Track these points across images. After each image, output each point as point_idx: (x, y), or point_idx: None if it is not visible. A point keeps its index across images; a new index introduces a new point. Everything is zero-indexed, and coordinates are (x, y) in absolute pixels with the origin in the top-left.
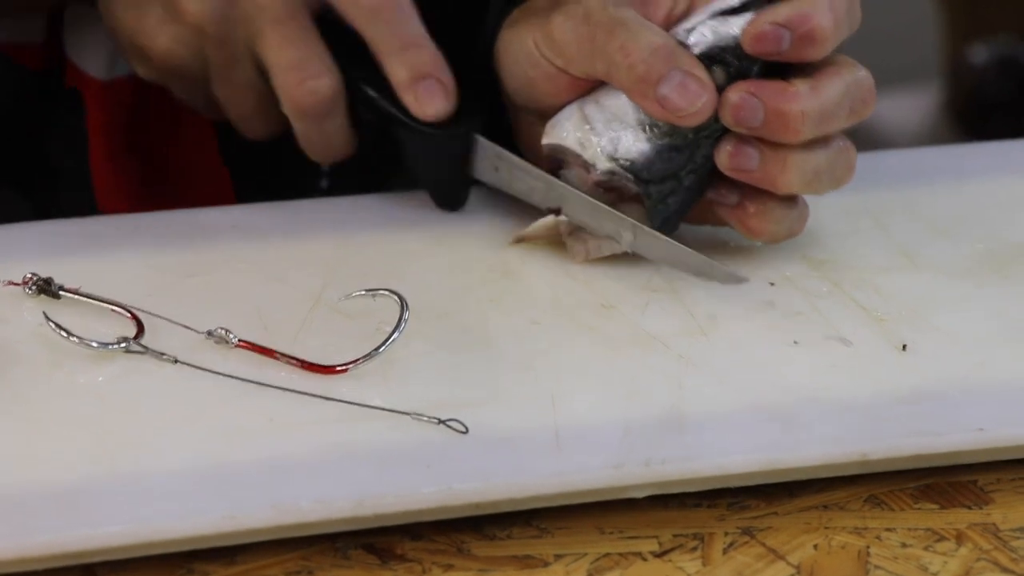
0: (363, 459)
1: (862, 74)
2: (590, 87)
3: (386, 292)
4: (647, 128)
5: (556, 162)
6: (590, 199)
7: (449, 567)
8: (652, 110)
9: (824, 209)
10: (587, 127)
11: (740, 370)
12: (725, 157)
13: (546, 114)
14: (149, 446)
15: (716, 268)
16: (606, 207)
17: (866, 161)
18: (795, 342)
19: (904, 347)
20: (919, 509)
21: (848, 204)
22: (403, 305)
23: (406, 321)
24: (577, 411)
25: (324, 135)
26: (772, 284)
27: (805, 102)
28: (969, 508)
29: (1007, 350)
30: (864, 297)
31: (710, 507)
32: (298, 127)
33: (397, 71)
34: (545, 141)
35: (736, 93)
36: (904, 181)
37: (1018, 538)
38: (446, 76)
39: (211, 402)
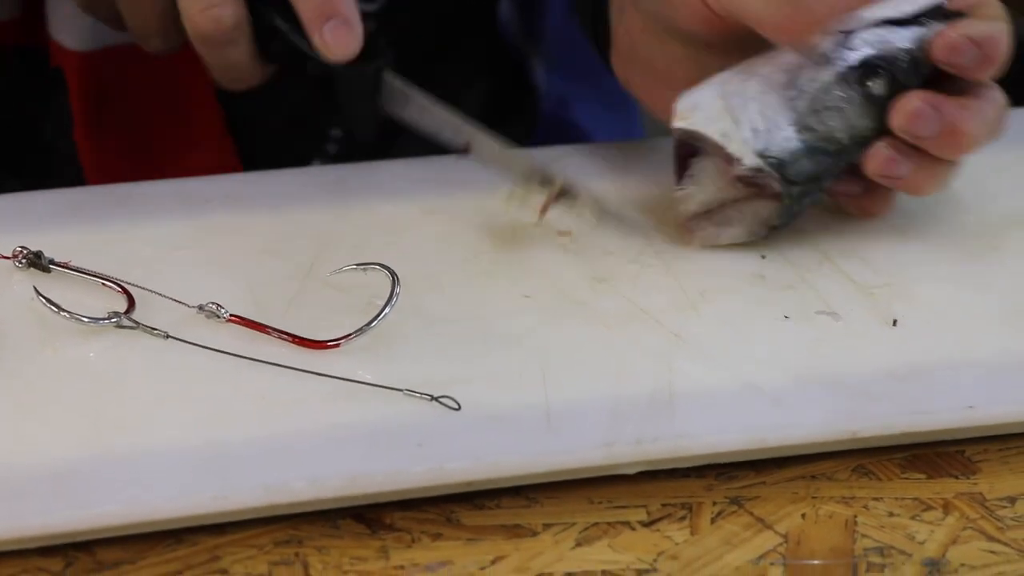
0: (355, 437)
1: (1002, 98)
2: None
3: (377, 266)
4: (802, 129)
5: (688, 148)
6: (497, 142)
7: (438, 536)
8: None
9: None
10: (731, 118)
11: (730, 346)
12: (879, 163)
13: (673, 31)
14: (140, 423)
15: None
16: (514, 151)
17: None
18: (786, 317)
19: (895, 323)
20: (906, 479)
21: None
22: (394, 280)
23: (397, 296)
24: (568, 389)
25: (227, 62)
26: (763, 256)
27: (978, 124)
28: (956, 478)
29: (997, 325)
30: (854, 269)
31: (698, 477)
32: (200, 52)
33: (303, 8)
34: (680, 125)
35: (916, 101)
36: None
37: (1004, 507)
38: (352, 14)
39: (202, 378)
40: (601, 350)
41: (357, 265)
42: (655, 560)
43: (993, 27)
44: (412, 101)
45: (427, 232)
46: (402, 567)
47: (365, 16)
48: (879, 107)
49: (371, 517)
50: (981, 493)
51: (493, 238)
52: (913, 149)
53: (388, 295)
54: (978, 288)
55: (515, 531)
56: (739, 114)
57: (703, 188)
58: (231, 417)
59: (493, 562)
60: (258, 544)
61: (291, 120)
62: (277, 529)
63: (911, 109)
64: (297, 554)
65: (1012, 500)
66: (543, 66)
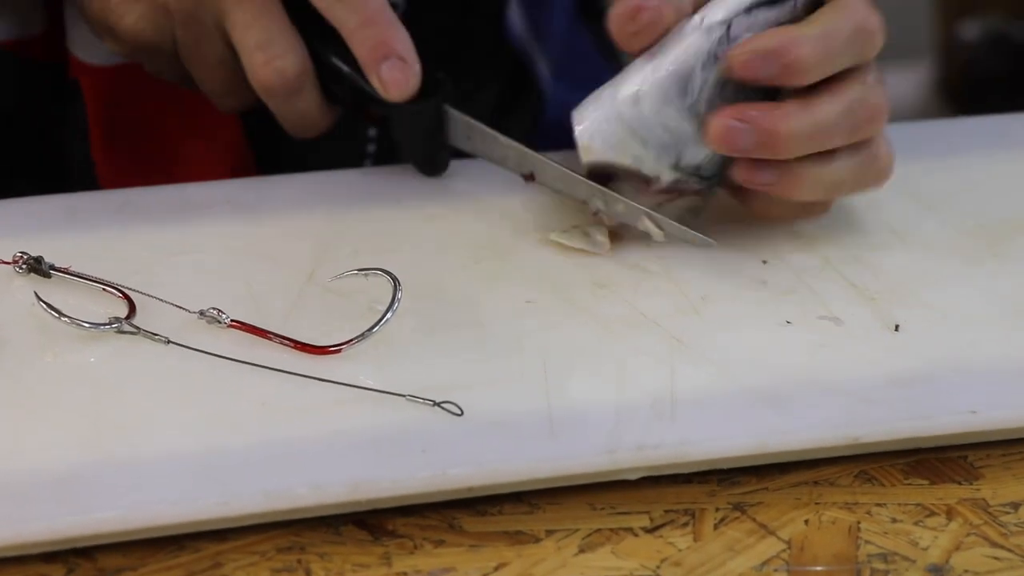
0: (358, 442)
1: (871, 93)
2: None
3: (379, 271)
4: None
5: (602, 176)
6: (561, 167)
7: (440, 543)
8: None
9: None
10: (637, 141)
11: (733, 352)
12: (742, 172)
13: None
14: (142, 429)
15: (690, 234)
16: (576, 175)
17: None
18: (787, 322)
19: (896, 327)
20: (909, 484)
21: None
22: (396, 284)
23: (399, 301)
24: (570, 394)
25: (296, 112)
26: (765, 262)
27: (793, 122)
28: (959, 483)
29: (999, 329)
30: (855, 275)
31: (701, 483)
32: (269, 104)
33: (359, 50)
34: (590, 159)
35: (721, 120)
36: (895, 156)
37: (1007, 513)
38: (408, 53)
39: (204, 384)
40: (603, 355)
41: (359, 270)
42: (658, 567)
43: (792, 33)
44: (475, 133)
45: (428, 238)
46: (404, 574)
47: (422, 53)
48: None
49: (373, 523)
50: (984, 499)
51: (494, 244)
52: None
53: (389, 300)
54: (980, 293)
55: (517, 538)
56: (644, 135)
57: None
58: (232, 423)
59: (496, 569)
60: (260, 551)
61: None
62: (279, 535)
63: (719, 130)
64: (299, 561)
65: (1015, 506)
66: (548, 71)
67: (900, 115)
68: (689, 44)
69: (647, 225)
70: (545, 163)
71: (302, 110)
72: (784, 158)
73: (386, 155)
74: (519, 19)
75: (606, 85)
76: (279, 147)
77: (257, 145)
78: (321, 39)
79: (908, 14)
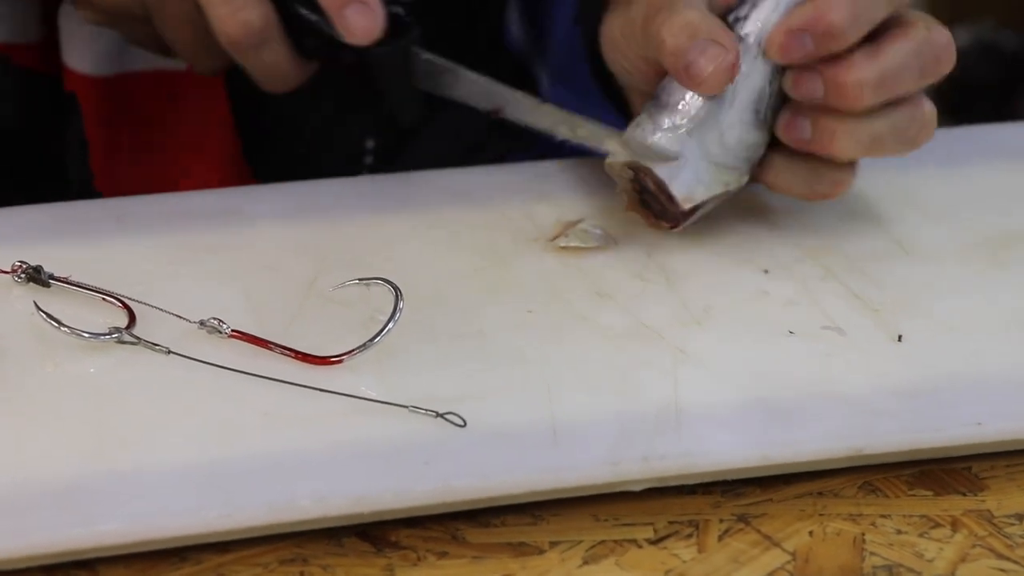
0: (360, 454)
1: (935, 33)
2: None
3: (380, 281)
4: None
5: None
6: (531, 98)
7: (443, 554)
8: (684, 82)
9: None
10: (726, 171)
11: (736, 362)
12: (781, 128)
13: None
14: (143, 440)
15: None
16: (549, 105)
17: None
18: (790, 332)
19: (900, 338)
20: (914, 496)
21: None
22: (397, 294)
23: (401, 311)
24: (573, 405)
25: (265, 65)
26: (766, 272)
27: (862, 71)
28: (964, 495)
29: (1002, 340)
30: (858, 285)
31: (705, 494)
32: (237, 58)
33: None
34: (688, 206)
35: (794, 72)
36: (895, 165)
37: (1012, 524)
38: None
39: (205, 394)
40: (606, 366)
41: (360, 280)
42: None
43: (818, 3)
44: (442, 71)
45: (428, 247)
46: None
47: None
48: None
49: (376, 535)
50: (989, 510)
51: (494, 252)
52: (815, 108)
53: (391, 310)
54: (983, 303)
55: (521, 549)
56: (732, 163)
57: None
58: (235, 434)
59: None
60: (263, 562)
61: (316, 142)
62: (282, 547)
63: (793, 77)
64: (302, 572)
65: (1020, 517)
66: (548, 78)
67: None
68: (754, 69)
69: (612, 146)
70: (512, 94)
71: (271, 63)
72: (857, 109)
73: (384, 167)
74: (518, 28)
75: (675, 125)
76: (274, 158)
77: (253, 158)
78: None
79: None
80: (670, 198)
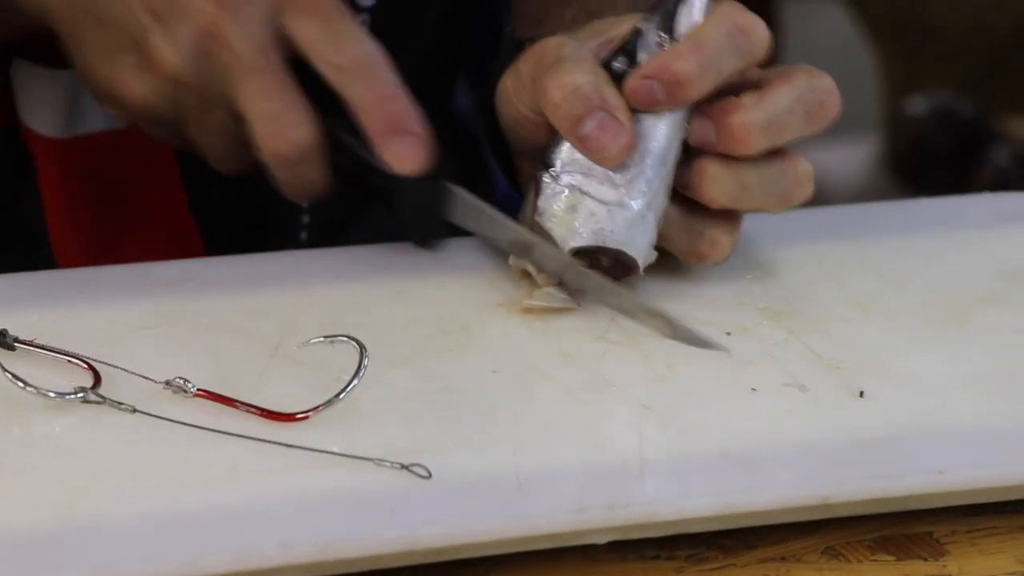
0: (326, 505)
1: (817, 79)
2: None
3: (345, 338)
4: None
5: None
6: (559, 251)
7: None
8: (581, 150)
9: (778, 260)
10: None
11: (699, 416)
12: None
13: (533, 155)
14: (110, 497)
15: (686, 331)
16: (574, 260)
17: (819, 214)
18: (753, 389)
19: (861, 393)
20: (876, 561)
21: (801, 255)
22: (362, 351)
23: (366, 367)
24: (539, 458)
25: (302, 180)
26: (728, 334)
27: (749, 113)
28: (925, 560)
29: (963, 395)
30: (819, 345)
31: (669, 558)
32: (275, 172)
33: (371, 126)
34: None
35: (694, 118)
36: (856, 234)
37: None
38: (420, 129)
39: (171, 451)
40: (571, 421)
41: (325, 337)
42: None
43: (666, 54)
44: (476, 211)
45: (394, 312)
46: None
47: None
48: None
49: None
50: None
51: (459, 318)
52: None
53: (356, 367)
54: (944, 362)
55: None
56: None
57: None
58: (201, 487)
59: None
60: None
61: (260, 209)
62: None
63: (690, 124)
64: None
65: None
66: None
67: (848, 189)
68: (661, 133)
69: (654, 322)
70: (538, 240)
71: (308, 178)
72: (745, 152)
73: (323, 228)
74: (467, 99)
75: (615, 201)
76: (221, 223)
77: (200, 217)
78: (326, 107)
79: (855, 89)
80: (627, 268)
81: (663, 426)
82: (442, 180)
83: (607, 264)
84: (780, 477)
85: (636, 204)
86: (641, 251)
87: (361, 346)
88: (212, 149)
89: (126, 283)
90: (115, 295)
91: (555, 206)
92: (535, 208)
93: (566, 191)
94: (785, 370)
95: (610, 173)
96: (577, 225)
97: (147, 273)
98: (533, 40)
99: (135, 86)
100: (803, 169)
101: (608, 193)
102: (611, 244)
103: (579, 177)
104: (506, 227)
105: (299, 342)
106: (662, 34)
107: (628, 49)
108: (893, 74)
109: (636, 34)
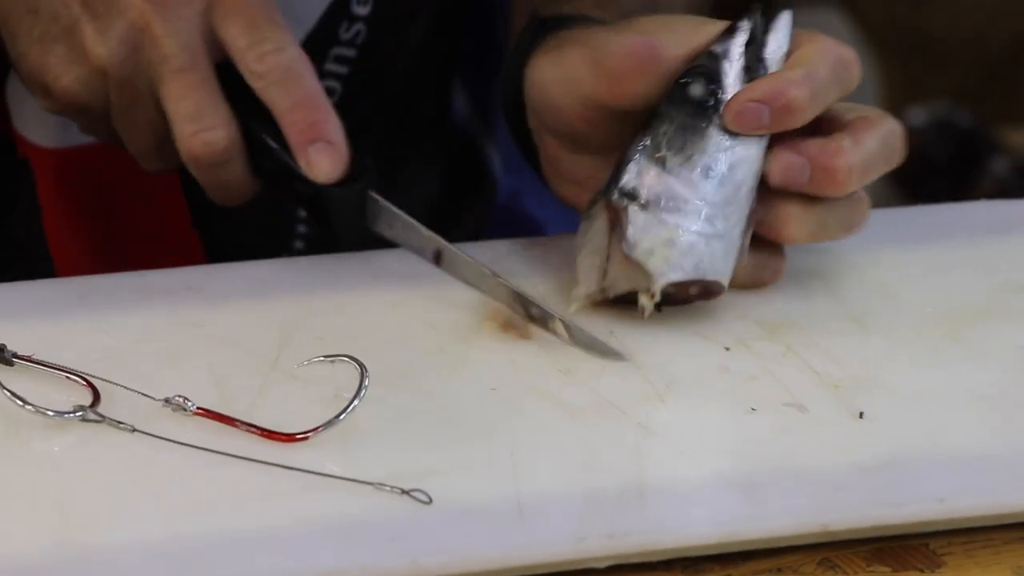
0: (327, 531)
1: (894, 124)
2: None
3: (345, 358)
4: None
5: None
6: (472, 259)
7: None
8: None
9: None
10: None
11: (699, 438)
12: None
13: (564, 139)
14: (109, 518)
15: (598, 343)
16: (490, 272)
17: None
18: (752, 409)
19: (861, 415)
20: (872, 572)
21: (798, 266)
22: (363, 371)
23: (366, 388)
24: (538, 481)
25: (220, 181)
26: (727, 349)
27: (851, 157)
28: (921, 571)
29: (963, 416)
30: (818, 362)
31: (665, 570)
32: (194, 173)
33: (290, 131)
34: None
35: (782, 156)
36: (852, 245)
37: None
38: (337, 137)
39: (171, 472)
40: (570, 442)
41: (325, 357)
42: None
43: (778, 78)
44: (395, 220)
45: (391, 325)
46: None
47: (350, 137)
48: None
49: None
50: None
51: (457, 331)
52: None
53: (356, 387)
54: (943, 380)
55: None
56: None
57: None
58: (201, 511)
59: None
60: None
61: (258, 216)
62: None
63: (781, 166)
64: None
65: None
66: (499, 157)
67: None
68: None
69: (557, 327)
70: (452, 249)
71: (227, 180)
72: (841, 194)
73: (318, 237)
74: (465, 106)
75: (712, 233)
76: (223, 234)
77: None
78: (251, 112)
79: (854, 99)
80: (711, 293)
81: (662, 449)
82: (361, 186)
83: (695, 292)
84: (780, 504)
85: (733, 234)
86: (729, 277)
87: (362, 367)
88: (136, 145)
89: (124, 293)
90: (112, 306)
91: (650, 239)
92: (625, 240)
93: (662, 224)
94: (784, 388)
95: (705, 202)
96: (676, 258)
97: (144, 282)
98: (559, 18)
99: (64, 77)
100: (866, 201)
101: (705, 224)
102: (710, 276)
103: (672, 208)
104: (421, 234)
105: (297, 356)
106: (751, 59)
107: (707, 73)
108: (892, 84)
109: (714, 58)
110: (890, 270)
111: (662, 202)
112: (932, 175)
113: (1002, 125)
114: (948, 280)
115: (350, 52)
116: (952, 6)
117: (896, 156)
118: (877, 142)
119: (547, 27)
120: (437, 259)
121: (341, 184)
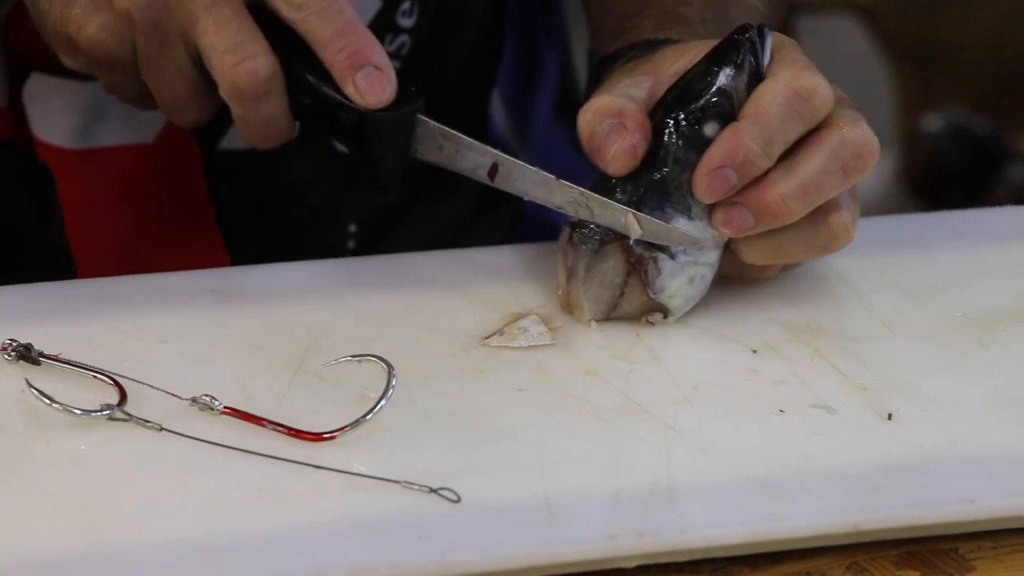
0: (356, 528)
1: (850, 132)
2: None
3: (373, 358)
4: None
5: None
6: (540, 171)
7: None
8: (599, 164)
9: (801, 275)
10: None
11: (727, 440)
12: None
13: None
14: (137, 515)
15: (667, 229)
16: (554, 178)
17: None
18: (780, 411)
19: (889, 416)
20: None
21: (824, 271)
22: (390, 371)
23: (393, 388)
24: (567, 481)
25: (262, 117)
26: (755, 352)
27: (782, 186)
28: None
29: (991, 418)
30: (846, 365)
31: (693, 572)
32: (236, 110)
33: (334, 60)
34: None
35: (720, 211)
36: (877, 249)
37: None
38: (383, 61)
39: (198, 471)
40: (598, 442)
41: (353, 356)
42: None
43: (727, 139)
44: (447, 141)
45: (415, 326)
46: None
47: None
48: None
49: None
50: None
51: (481, 333)
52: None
53: (382, 388)
54: (970, 382)
55: None
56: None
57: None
58: (229, 509)
59: None
60: None
61: (300, 228)
62: None
63: (722, 220)
64: None
65: None
66: (531, 163)
67: (864, 206)
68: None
69: (629, 221)
70: (522, 167)
71: (268, 115)
72: (788, 222)
73: (367, 251)
74: (502, 118)
75: (710, 261)
76: (255, 244)
77: (234, 245)
78: (284, 47)
79: (871, 107)
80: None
81: (691, 450)
82: (410, 110)
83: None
84: (810, 504)
85: (715, 255)
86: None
87: (389, 366)
88: (167, 95)
89: (148, 295)
90: (137, 307)
91: (674, 284)
92: (651, 286)
93: (684, 267)
94: (812, 391)
95: (712, 237)
96: (692, 293)
97: (168, 284)
98: (618, 54)
99: (89, 25)
100: (838, 222)
101: (711, 254)
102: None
103: (694, 251)
104: (475, 150)
105: (322, 357)
106: (752, 84)
107: (722, 114)
108: (908, 91)
109: (726, 95)
110: (916, 275)
111: (686, 249)
112: (949, 182)
113: (1018, 132)
114: (974, 285)
115: (394, 63)
116: (968, 14)
117: (854, 165)
118: (818, 160)
119: (604, 64)
120: (492, 174)
121: (388, 109)
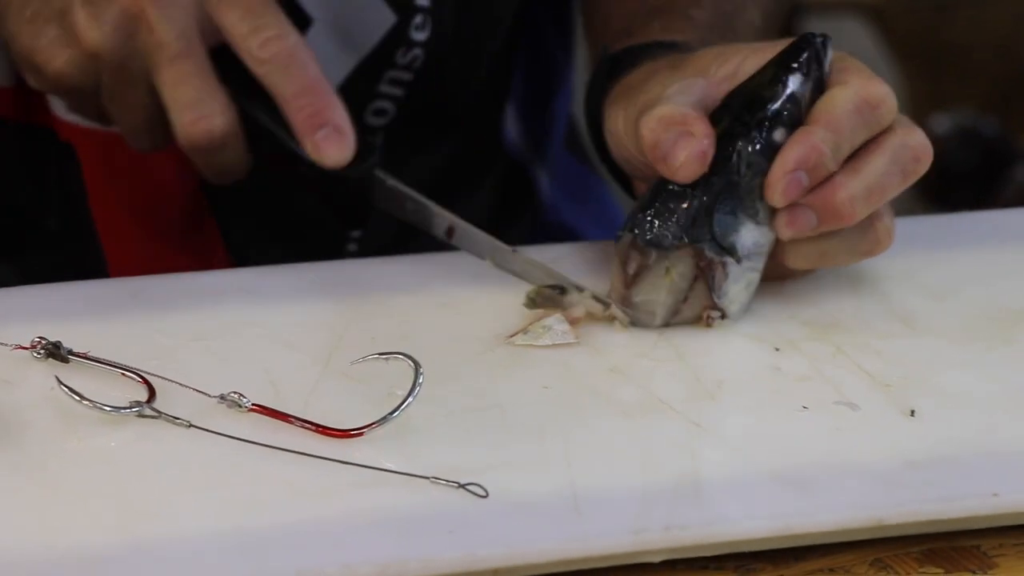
0: (385, 523)
1: (908, 136)
2: None
3: (400, 355)
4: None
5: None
6: (484, 233)
7: None
8: (664, 173)
9: (822, 274)
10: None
11: (752, 435)
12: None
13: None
14: (167, 511)
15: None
16: (498, 242)
17: None
18: (804, 407)
19: (912, 412)
20: (924, 573)
21: (844, 269)
22: (417, 369)
23: (420, 385)
24: (593, 476)
25: (218, 164)
26: (777, 349)
27: (849, 187)
28: (973, 573)
29: (1015, 414)
30: (868, 362)
31: (717, 569)
32: (191, 157)
33: (295, 117)
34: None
35: (785, 213)
36: (898, 249)
37: None
38: (343, 122)
39: (227, 467)
40: (623, 439)
41: (379, 354)
42: None
43: (799, 141)
44: (403, 197)
45: (441, 325)
46: None
47: (354, 122)
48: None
49: None
50: None
51: (506, 330)
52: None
53: (409, 385)
54: (993, 379)
55: None
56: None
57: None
58: (259, 504)
59: None
60: None
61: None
62: None
63: (786, 220)
64: None
65: None
66: (548, 181)
67: None
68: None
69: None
70: (465, 226)
71: (224, 164)
72: (852, 223)
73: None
74: (516, 131)
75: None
76: (255, 246)
77: (234, 248)
78: (247, 94)
79: None
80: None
81: (715, 446)
82: (367, 166)
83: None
84: (836, 499)
85: (764, 261)
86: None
87: (416, 363)
88: (127, 124)
89: (176, 293)
90: (166, 305)
91: (737, 288)
92: (716, 290)
93: (746, 271)
94: (835, 388)
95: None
96: (747, 298)
97: (196, 283)
98: (628, 51)
99: (56, 59)
100: (883, 227)
101: (765, 259)
102: None
103: (757, 255)
104: (431, 211)
105: (349, 355)
106: (815, 94)
107: (791, 121)
108: (916, 92)
109: (794, 101)
110: (938, 274)
111: (752, 254)
112: (957, 183)
113: None
114: (995, 283)
115: (406, 76)
116: (976, 15)
117: (912, 169)
118: (882, 163)
119: (618, 64)
120: (449, 234)
121: (348, 165)
